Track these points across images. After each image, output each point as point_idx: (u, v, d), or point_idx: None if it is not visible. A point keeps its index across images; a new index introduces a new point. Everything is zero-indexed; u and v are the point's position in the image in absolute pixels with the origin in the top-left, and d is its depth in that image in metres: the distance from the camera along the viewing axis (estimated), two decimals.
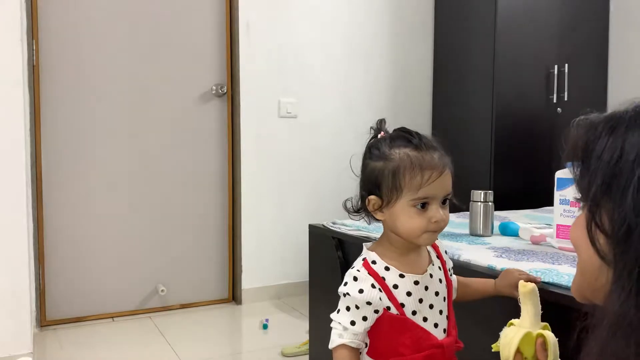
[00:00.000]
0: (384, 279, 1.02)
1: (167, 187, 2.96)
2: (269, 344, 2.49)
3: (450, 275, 1.16)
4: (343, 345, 1.01)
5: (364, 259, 1.05)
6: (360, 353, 1.05)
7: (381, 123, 1.08)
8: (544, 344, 0.94)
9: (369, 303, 1.00)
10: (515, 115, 3.18)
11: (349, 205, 1.10)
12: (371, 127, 1.09)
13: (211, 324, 2.81)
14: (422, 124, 3.60)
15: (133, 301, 2.91)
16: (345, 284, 1.03)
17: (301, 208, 3.20)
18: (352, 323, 1.00)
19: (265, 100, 3.11)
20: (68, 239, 2.75)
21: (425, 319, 1.03)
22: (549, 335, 0.95)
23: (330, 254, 1.88)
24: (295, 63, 3.18)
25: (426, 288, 1.04)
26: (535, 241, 1.65)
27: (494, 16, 3.09)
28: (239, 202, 3.08)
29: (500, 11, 3.07)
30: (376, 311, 1.01)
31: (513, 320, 0.99)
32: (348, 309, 1.01)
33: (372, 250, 1.07)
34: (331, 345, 1.03)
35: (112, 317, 2.84)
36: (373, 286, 1.00)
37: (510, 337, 0.94)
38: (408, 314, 1.02)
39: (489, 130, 3.14)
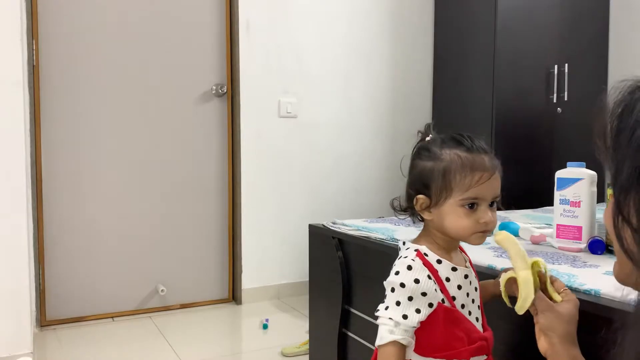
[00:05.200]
0: (437, 271, 1.00)
1: (167, 187, 2.96)
2: (269, 344, 2.49)
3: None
4: (393, 342, 0.97)
5: (417, 250, 1.02)
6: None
7: (429, 127, 1.09)
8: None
9: (424, 294, 0.97)
10: (515, 115, 3.18)
11: (395, 204, 1.10)
12: (419, 132, 1.10)
13: (211, 324, 2.81)
14: (421, 123, 3.59)
15: (133, 301, 2.90)
16: (397, 272, 0.99)
17: (301, 208, 3.20)
18: (405, 317, 0.96)
19: (265, 100, 3.11)
20: (68, 239, 2.75)
21: (470, 313, 1.03)
22: (522, 275, 0.97)
23: (330, 254, 1.88)
24: (295, 63, 3.18)
25: (470, 283, 1.05)
26: (535, 241, 1.65)
27: (494, 16, 3.09)
28: (239, 202, 3.08)
29: (500, 11, 3.07)
30: (430, 305, 0.98)
31: (507, 273, 1.01)
32: (398, 303, 0.97)
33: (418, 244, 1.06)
34: (379, 342, 0.98)
35: (112, 317, 2.84)
36: (429, 277, 0.98)
37: (523, 296, 0.95)
38: (458, 307, 1.01)
39: (489, 130, 3.14)
